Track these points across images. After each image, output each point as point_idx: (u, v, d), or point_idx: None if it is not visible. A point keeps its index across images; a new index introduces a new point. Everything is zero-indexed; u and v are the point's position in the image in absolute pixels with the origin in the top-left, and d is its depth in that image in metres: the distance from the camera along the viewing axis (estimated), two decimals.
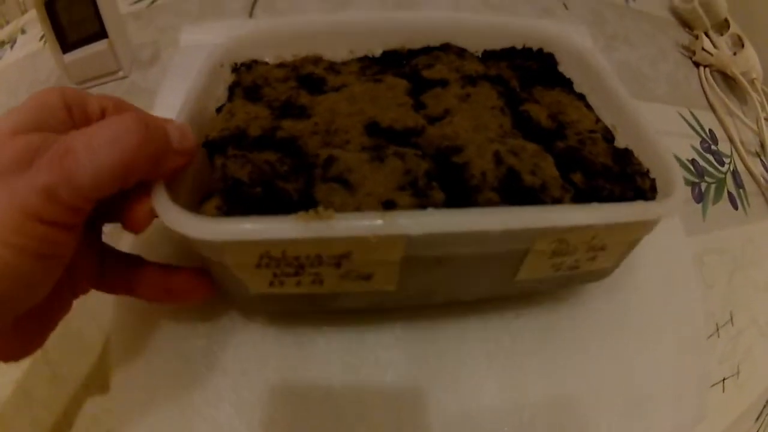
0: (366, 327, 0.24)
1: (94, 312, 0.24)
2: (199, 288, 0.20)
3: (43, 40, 0.47)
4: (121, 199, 0.17)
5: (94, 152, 0.14)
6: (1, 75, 0.46)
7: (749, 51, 0.45)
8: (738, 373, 0.30)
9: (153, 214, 0.17)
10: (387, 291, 0.20)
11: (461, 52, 0.28)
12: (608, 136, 0.24)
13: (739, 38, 0.46)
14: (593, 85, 0.26)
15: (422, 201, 0.18)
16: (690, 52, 0.45)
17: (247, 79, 0.25)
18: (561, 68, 0.28)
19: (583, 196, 0.20)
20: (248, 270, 0.18)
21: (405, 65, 0.27)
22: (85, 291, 0.19)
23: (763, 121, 0.41)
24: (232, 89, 0.25)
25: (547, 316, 0.26)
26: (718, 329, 0.30)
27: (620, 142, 0.24)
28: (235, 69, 0.26)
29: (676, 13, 0.48)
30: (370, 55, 0.28)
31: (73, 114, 0.17)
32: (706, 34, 0.46)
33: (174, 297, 0.20)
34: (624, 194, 0.20)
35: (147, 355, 0.23)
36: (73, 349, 0.24)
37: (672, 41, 0.44)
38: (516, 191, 0.19)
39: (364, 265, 0.18)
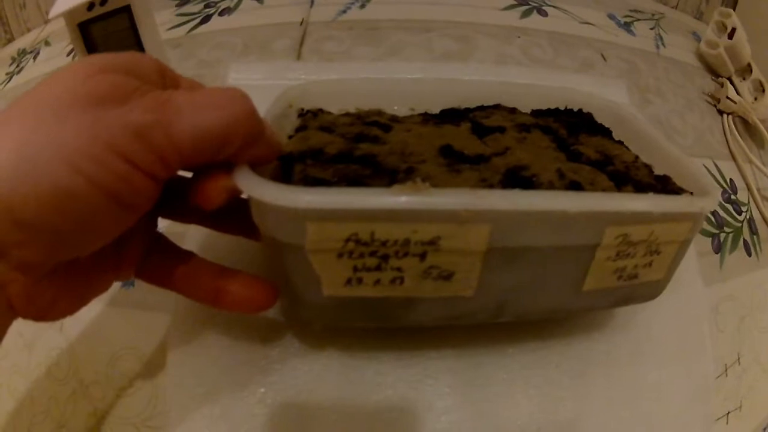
0: (418, 351, 0.26)
1: (144, 322, 0.26)
2: (258, 295, 0.19)
3: (72, 53, 0.46)
4: (195, 179, 0.17)
5: (199, 110, 0.14)
6: (22, 89, 0.46)
7: None
8: (740, 407, 0.35)
9: (228, 192, 0.17)
10: (463, 299, 0.20)
11: (513, 110, 0.32)
12: (649, 168, 0.27)
13: (761, 84, 0.49)
14: (628, 134, 0.30)
15: None
16: (715, 100, 0.48)
17: (313, 125, 0.26)
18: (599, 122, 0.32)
19: None
20: (328, 260, 0.17)
21: (464, 118, 0.30)
22: (128, 276, 0.19)
23: None
24: (299, 131, 0.26)
25: (567, 350, 0.28)
26: (726, 369, 0.34)
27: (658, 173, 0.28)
28: (302, 114, 0.28)
29: (701, 58, 0.51)
30: (429, 112, 0.31)
31: (165, 81, 0.17)
32: (730, 80, 0.49)
33: (224, 301, 0.19)
34: None
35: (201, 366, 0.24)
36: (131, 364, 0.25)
37: (698, 90, 0.47)
38: None
39: (448, 259, 0.18)
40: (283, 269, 0.19)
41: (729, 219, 0.40)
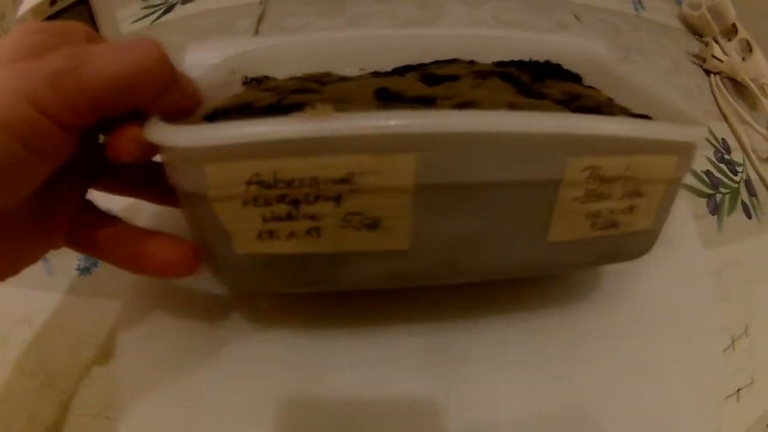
0: (380, 327, 0.24)
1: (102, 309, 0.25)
2: (177, 258, 0.18)
3: None
4: (109, 132, 0.16)
5: (108, 56, 0.15)
6: None
7: (758, 56, 0.46)
8: (752, 382, 0.31)
9: (138, 144, 0.16)
10: (400, 254, 0.17)
11: (471, 63, 0.28)
12: (626, 110, 0.23)
13: (748, 43, 0.47)
14: (606, 82, 0.26)
15: None
16: (701, 60, 0.45)
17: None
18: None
19: None
20: (234, 210, 0.16)
21: (414, 70, 0.27)
22: (58, 244, 0.19)
23: None
24: None
25: (562, 321, 0.25)
26: (733, 342, 0.31)
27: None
28: (246, 82, 0.26)
29: (684, 20, 0.48)
30: (381, 71, 0.28)
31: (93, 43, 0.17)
32: (716, 41, 0.47)
33: (146, 265, 0.18)
34: None
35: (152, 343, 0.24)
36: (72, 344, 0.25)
37: (683, 51, 0.45)
38: None
39: (369, 202, 0.16)
40: (195, 226, 0.17)
41: (724, 179, 0.37)
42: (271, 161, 0.15)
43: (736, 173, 0.38)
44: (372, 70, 0.28)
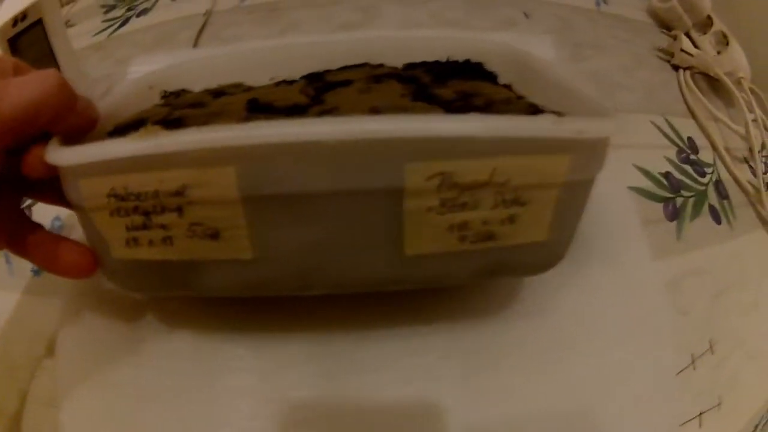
0: (280, 334, 0.24)
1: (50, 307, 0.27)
2: (79, 261, 0.21)
3: None
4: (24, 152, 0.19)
5: (19, 87, 0.17)
6: None
7: (734, 49, 0.42)
8: (720, 404, 0.28)
9: (44, 162, 0.18)
10: (248, 263, 0.18)
11: (379, 66, 0.27)
12: (535, 107, 0.21)
13: (724, 36, 0.43)
14: (534, 81, 0.23)
15: None
16: (668, 55, 0.42)
17: (177, 104, 0.25)
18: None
19: None
20: (105, 219, 0.18)
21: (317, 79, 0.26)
22: (1, 247, 0.21)
23: (750, 124, 0.38)
24: None
25: (475, 337, 0.23)
26: (693, 361, 0.27)
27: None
28: (165, 96, 0.27)
29: (653, 14, 0.45)
30: (289, 79, 0.27)
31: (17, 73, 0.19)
32: (688, 35, 0.44)
33: (57, 266, 0.21)
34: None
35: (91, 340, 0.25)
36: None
37: (649, 45, 0.42)
38: None
39: (205, 213, 0.17)
40: (85, 233, 0.19)
41: (688, 181, 0.34)
42: (120, 177, 0.17)
43: (703, 174, 0.35)
44: (281, 78, 0.27)
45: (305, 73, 0.27)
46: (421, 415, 0.22)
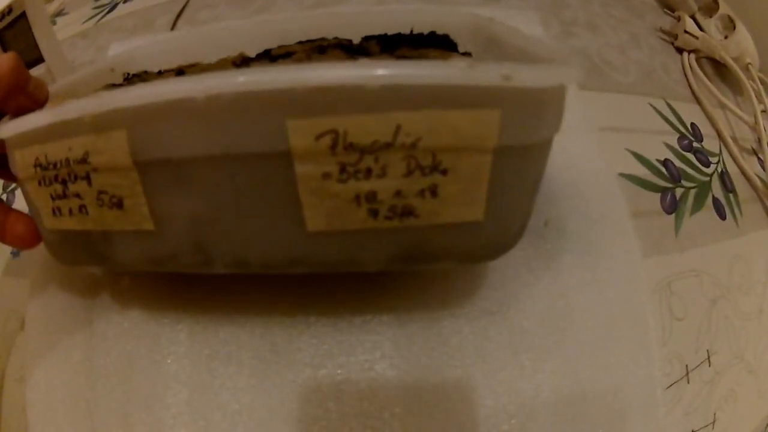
0: (224, 319, 0.23)
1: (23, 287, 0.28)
2: (24, 231, 0.21)
3: None
4: None
5: None
6: None
7: (741, 33, 0.39)
8: (714, 421, 0.24)
9: None
10: (152, 235, 0.17)
11: (335, 39, 0.25)
12: None
13: (730, 20, 0.40)
14: (492, 48, 0.21)
15: None
16: (671, 37, 0.39)
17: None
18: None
19: None
20: (35, 189, 0.18)
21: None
22: None
23: (759, 113, 0.35)
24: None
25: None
26: (687, 373, 0.24)
27: None
28: (127, 78, 0.27)
29: None
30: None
31: None
32: (693, 18, 0.40)
33: (4, 236, 0.22)
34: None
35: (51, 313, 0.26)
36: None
37: (649, 26, 0.38)
38: None
39: (108, 180, 0.17)
40: (27, 205, 0.20)
41: (690, 171, 0.30)
42: (40, 146, 0.17)
43: (707, 164, 0.31)
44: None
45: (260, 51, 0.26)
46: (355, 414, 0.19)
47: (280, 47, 0.25)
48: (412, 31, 0.25)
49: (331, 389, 0.20)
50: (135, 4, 0.45)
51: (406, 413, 0.19)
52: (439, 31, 0.24)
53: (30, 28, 0.35)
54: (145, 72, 0.27)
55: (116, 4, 0.47)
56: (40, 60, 0.36)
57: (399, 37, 0.24)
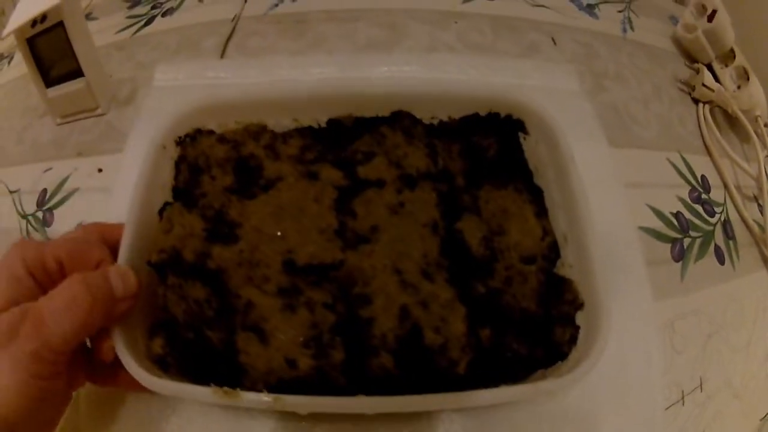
0: None
1: None
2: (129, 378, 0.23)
3: None
4: (94, 345, 0.22)
5: (58, 318, 0.19)
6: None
7: (754, 85, 0.42)
8: None
9: (113, 348, 0.22)
10: None
11: (412, 126, 0.28)
12: (551, 256, 0.24)
13: (745, 71, 0.43)
14: (558, 169, 0.26)
15: (321, 363, 0.21)
16: (689, 88, 0.42)
17: (191, 155, 0.28)
18: (528, 142, 0.28)
19: (485, 355, 0.21)
20: None
21: (346, 150, 0.28)
22: (82, 384, 0.24)
23: (762, 161, 0.39)
24: (178, 166, 0.27)
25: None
26: (683, 397, 0.29)
27: (567, 257, 0.24)
28: (180, 142, 0.28)
29: (677, 43, 0.45)
30: (315, 125, 0.29)
31: (35, 277, 0.22)
32: (710, 66, 0.44)
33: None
34: (532, 353, 0.21)
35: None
36: None
37: (670, 77, 0.42)
38: (414, 351, 0.21)
39: None
40: None
41: (698, 222, 0.35)
42: None
43: (713, 214, 0.36)
44: (306, 122, 0.29)
45: (330, 116, 0.28)
46: None
47: (364, 153, 0.27)
48: (490, 111, 0.28)
49: None
50: (175, 20, 0.44)
51: None
52: (514, 114, 0.28)
53: (67, 39, 0.35)
54: (199, 131, 0.28)
55: (153, 17, 0.46)
56: (77, 73, 0.36)
57: (480, 163, 0.27)
